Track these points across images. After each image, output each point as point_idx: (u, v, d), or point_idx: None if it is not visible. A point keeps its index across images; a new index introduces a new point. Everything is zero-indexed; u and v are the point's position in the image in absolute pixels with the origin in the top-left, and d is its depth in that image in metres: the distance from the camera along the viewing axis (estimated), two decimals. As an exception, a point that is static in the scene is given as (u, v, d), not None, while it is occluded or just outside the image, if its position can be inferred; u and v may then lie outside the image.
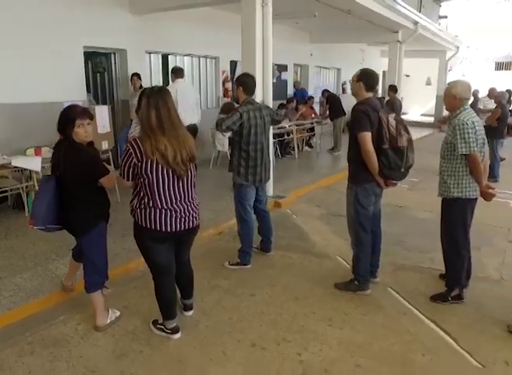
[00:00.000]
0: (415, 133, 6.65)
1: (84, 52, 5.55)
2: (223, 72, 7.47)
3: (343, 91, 12.10)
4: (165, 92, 2.15)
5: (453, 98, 2.71)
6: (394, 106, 7.11)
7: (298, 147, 8.32)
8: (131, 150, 2.06)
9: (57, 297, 2.83)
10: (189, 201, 2.22)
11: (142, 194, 2.13)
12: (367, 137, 2.65)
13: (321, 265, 3.42)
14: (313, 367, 2.19)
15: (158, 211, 2.12)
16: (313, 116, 8.56)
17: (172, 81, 5.30)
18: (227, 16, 6.48)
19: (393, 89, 7.35)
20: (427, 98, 15.76)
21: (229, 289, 3.01)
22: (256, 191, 3.34)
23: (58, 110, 2.35)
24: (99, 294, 2.49)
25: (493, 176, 6.28)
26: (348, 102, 9.59)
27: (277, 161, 7.44)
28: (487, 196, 2.72)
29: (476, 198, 2.73)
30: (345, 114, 7.88)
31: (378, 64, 13.98)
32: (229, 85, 7.56)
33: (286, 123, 7.57)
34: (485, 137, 2.72)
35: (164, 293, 2.35)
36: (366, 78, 2.76)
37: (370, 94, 2.77)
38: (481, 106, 8.61)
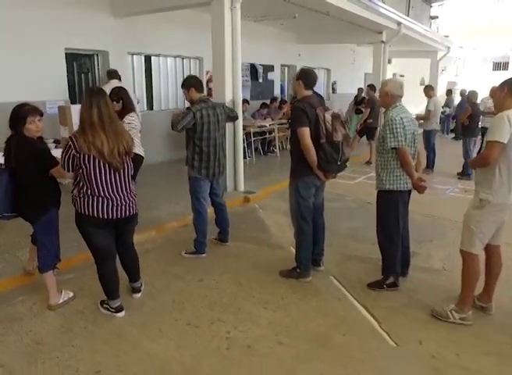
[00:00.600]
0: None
1: (70, 54, 5.82)
2: (207, 72, 7.68)
3: (333, 90, 12.24)
4: (104, 93, 2.38)
5: (385, 96, 2.88)
6: (374, 105, 7.24)
7: (282, 145, 8.50)
8: (70, 143, 2.27)
9: (19, 280, 3.06)
10: (126, 192, 2.42)
11: (81, 183, 2.34)
12: (305, 132, 2.83)
13: (273, 255, 3.60)
14: (237, 343, 2.38)
15: (95, 199, 2.33)
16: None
17: (106, 82, 5.43)
18: (205, 16, 6.68)
19: (373, 88, 7.49)
20: (421, 98, 15.80)
21: (180, 275, 3.21)
22: (211, 184, 3.53)
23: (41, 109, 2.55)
24: (51, 275, 2.71)
25: (467, 174, 6.39)
26: (341, 102, 9.75)
27: (259, 159, 7.65)
28: (419, 188, 2.88)
29: (408, 190, 2.89)
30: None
31: (371, 64, 14.09)
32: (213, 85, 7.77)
33: (267, 122, 7.77)
34: (415, 132, 2.88)
35: (106, 275, 2.56)
36: (305, 77, 2.93)
37: (309, 92, 2.95)
38: (482, 108, 8.65)
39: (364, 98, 9.76)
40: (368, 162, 7.32)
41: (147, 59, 6.80)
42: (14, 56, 4.87)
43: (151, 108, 6.91)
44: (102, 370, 2.16)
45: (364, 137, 7.72)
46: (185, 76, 3.64)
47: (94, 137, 2.22)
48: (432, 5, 12.95)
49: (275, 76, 9.66)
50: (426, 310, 2.71)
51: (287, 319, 2.63)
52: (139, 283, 2.87)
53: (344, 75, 12.56)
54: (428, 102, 6.80)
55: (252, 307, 2.77)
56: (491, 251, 2.63)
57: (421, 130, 4.72)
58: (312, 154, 2.84)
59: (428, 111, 6.62)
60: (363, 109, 10.13)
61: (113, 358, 2.25)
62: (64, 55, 5.39)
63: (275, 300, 2.86)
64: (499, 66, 18.41)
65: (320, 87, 12.16)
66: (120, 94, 3.40)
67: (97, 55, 5.99)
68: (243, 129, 6.99)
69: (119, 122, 2.40)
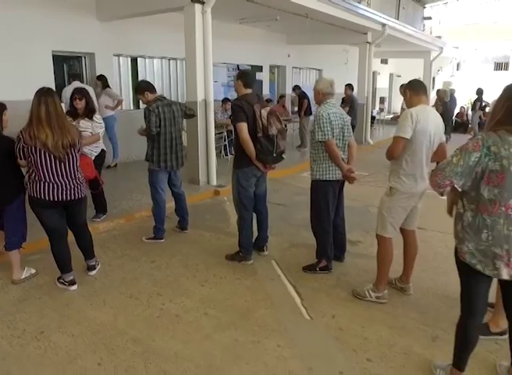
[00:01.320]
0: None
1: (61, 56, 6.22)
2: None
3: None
4: (53, 92, 2.72)
5: (317, 94, 3.14)
6: (353, 103, 7.45)
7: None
8: (20, 136, 2.63)
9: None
10: (71, 178, 2.75)
11: (31, 170, 2.68)
12: (243, 126, 3.12)
13: (226, 241, 3.89)
14: (168, 313, 2.68)
15: (42, 183, 2.66)
16: (288, 114, 9.01)
17: (69, 83, 5.87)
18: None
19: (351, 87, 7.71)
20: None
21: (136, 257, 3.53)
22: (169, 176, 3.85)
23: (25, 107, 2.80)
24: (16, 253, 3.05)
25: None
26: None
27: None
28: (349, 179, 3.14)
29: (337, 180, 3.14)
30: (311, 113, 8.26)
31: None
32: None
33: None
34: (345, 127, 3.13)
35: (57, 251, 2.89)
36: (244, 77, 3.22)
37: (248, 91, 3.23)
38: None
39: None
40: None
41: (134, 61, 7.16)
42: (1, 57, 5.25)
43: (138, 107, 7.26)
44: (45, 331, 2.48)
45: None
46: (137, 82, 4.01)
47: (38, 131, 2.56)
48: (426, 6, 13.03)
49: (263, 76, 9.94)
50: (350, 291, 2.96)
51: (219, 295, 2.92)
52: (93, 261, 3.20)
53: (337, 75, 12.65)
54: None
55: (191, 284, 3.07)
56: (406, 235, 2.87)
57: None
58: (250, 146, 3.13)
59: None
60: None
61: (57, 322, 2.58)
62: (51, 57, 5.77)
63: (215, 279, 3.15)
64: (501, 66, 18.34)
65: (310, 88, 12.39)
66: (83, 93, 3.72)
67: (84, 57, 6.37)
68: (226, 127, 7.35)
69: (65, 118, 2.75)
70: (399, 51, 12.83)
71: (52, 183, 2.66)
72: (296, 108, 9.51)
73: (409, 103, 2.69)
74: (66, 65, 6.62)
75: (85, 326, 2.53)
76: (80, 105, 3.66)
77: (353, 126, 7.76)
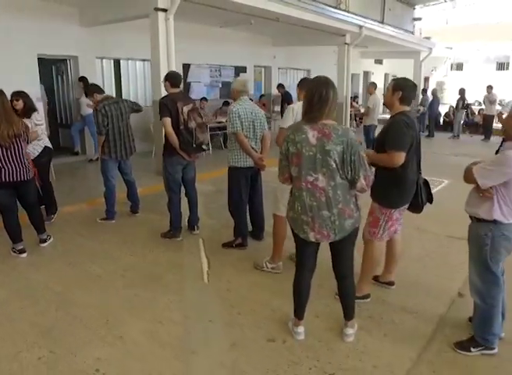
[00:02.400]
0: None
1: (49, 59, 6.90)
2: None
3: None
4: (2, 92, 3.27)
5: (233, 92, 3.60)
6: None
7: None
8: None
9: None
10: (18, 162, 3.32)
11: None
12: (167, 121, 3.62)
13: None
14: (93, 274, 3.22)
15: (-6, 168, 3.25)
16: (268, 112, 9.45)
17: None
18: (178, 25, 7.53)
19: (281, 86, 8.15)
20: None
21: (85, 234, 4.09)
22: (120, 165, 4.39)
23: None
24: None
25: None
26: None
27: (219, 152, 8.41)
28: (260, 166, 3.59)
29: (248, 167, 3.58)
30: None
31: (358, 65, 14.47)
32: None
33: (224, 118, 8.54)
34: (256, 121, 3.56)
35: (8, 224, 3.47)
36: (171, 78, 3.72)
37: (175, 90, 3.72)
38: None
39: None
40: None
41: (117, 63, 7.78)
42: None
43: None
44: (-12, 286, 3.06)
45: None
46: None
47: None
48: (415, 7, 13.19)
49: (247, 76, 10.40)
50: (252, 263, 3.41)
51: (141, 263, 3.43)
52: (44, 235, 3.77)
53: (327, 76, 13.08)
54: (368, 99, 7.33)
55: (121, 255, 3.60)
56: None
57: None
58: (173, 138, 3.62)
59: (367, 107, 7.16)
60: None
61: (1, 280, 3.15)
62: (36, 60, 6.43)
63: (143, 251, 3.67)
64: (503, 66, 18.21)
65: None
66: (19, 95, 3.98)
67: (69, 60, 7.03)
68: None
69: (12, 114, 3.32)
70: (389, 52, 13.06)
71: (3, 168, 3.24)
72: (276, 108, 9.95)
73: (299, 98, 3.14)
74: (54, 67, 7.29)
75: (22, 284, 3.09)
76: (18, 105, 3.93)
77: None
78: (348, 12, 9.17)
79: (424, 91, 11.87)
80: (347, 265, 2.32)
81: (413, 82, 2.80)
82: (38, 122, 4.04)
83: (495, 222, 2.14)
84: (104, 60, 7.53)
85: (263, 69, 11.16)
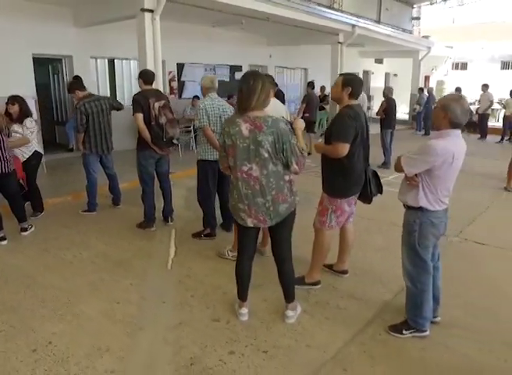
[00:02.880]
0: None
1: (46, 58, 7.17)
2: (170, 72, 8.78)
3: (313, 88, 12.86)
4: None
5: (202, 88, 3.76)
6: (309, 100, 7.95)
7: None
8: None
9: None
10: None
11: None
12: (138, 116, 3.80)
13: (146, 215, 4.59)
14: (65, 260, 3.44)
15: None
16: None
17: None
18: (171, 25, 7.76)
19: (310, 85, 8.20)
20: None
21: (67, 225, 4.29)
22: (101, 159, 4.60)
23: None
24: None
25: (384, 162, 6.95)
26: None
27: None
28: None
29: (215, 160, 3.70)
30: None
31: (357, 64, 14.49)
32: (174, 84, 8.89)
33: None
34: (222, 116, 3.70)
35: (-11, 212, 3.70)
36: (144, 76, 3.90)
37: (147, 87, 3.91)
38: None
39: (326, 95, 10.43)
40: (308, 154, 8.03)
41: (111, 62, 8.02)
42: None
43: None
44: (-32, 269, 3.29)
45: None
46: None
47: None
48: (414, 6, 13.15)
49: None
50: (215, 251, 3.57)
51: (113, 251, 3.63)
52: (25, 224, 3.99)
53: (326, 74, 13.15)
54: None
55: (96, 244, 3.80)
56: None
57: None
58: (145, 132, 3.81)
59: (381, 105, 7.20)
60: (325, 107, 10.79)
61: (-20, 263, 3.38)
62: (31, 59, 6.70)
63: (116, 241, 3.86)
64: (508, 65, 17.96)
65: (297, 87, 12.88)
66: (15, 99, 4.19)
67: (64, 59, 7.29)
68: (193, 121, 8.04)
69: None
70: (387, 51, 13.07)
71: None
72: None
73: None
74: (51, 66, 7.57)
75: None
76: (13, 109, 4.11)
77: (313, 122, 8.29)
78: (341, 11, 9.26)
79: (421, 89, 11.86)
80: (285, 247, 2.46)
81: (360, 78, 2.92)
82: (30, 129, 4.11)
83: (421, 209, 2.26)
84: (98, 60, 7.78)
85: (260, 69, 11.29)
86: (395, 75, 16.02)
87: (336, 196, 2.82)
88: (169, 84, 8.82)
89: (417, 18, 13.68)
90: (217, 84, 3.78)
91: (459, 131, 2.24)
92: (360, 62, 14.50)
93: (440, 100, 2.38)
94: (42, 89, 7.33)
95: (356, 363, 2.21)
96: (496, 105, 12.24)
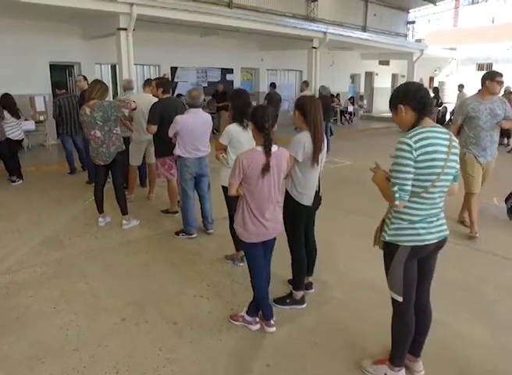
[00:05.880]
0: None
1: (64, 65, 9.25)
2: (164, 74, 10.43)
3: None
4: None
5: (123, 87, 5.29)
6: (270, 99, 9.14)
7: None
8: None
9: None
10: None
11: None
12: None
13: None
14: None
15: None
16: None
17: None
18: (165, 35, 9.48)
19: (272, 85, 9.33)
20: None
21: (46, 183, 6.10)
22: (72, 138, 6.35)
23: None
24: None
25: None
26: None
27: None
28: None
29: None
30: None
31: (358, 66, 15.14)
32: (167, 85, 10.59)
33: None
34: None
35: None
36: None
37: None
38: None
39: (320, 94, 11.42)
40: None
41: (113, 68, 9.89)
42: (13, 67, 8.31)
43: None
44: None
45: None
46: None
47: None
48: (410, 11, 13.44)
49: (234, 77, 11.97)
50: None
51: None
52: (14, 177, 5.84)
53: (322, 76, 14.05)
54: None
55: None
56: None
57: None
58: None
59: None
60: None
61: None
62: (48, 66, 8.76)
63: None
64: (482, 66, 17.48)
65: (291, 88, 13.90)
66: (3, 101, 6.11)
67: (74, 66, 9.32)
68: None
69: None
70: (382, 54, 13.60)
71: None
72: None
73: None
74: (67, 70, 9.64)
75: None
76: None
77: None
78: (314, 20, 10.28)
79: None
80: (117, 175, 4.11)
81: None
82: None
83: (179, 156, 3.73)
84: (102, 65, 9.70)
85: (253, 71, 12.61)
86: (403, 76, 16.28)
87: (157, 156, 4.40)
88: (163, 85, 10.51)
89: (413, 22, 13.98)
90: (133, 85, 5.29)
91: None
92: (363, 63, 15.12)
93: None
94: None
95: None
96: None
